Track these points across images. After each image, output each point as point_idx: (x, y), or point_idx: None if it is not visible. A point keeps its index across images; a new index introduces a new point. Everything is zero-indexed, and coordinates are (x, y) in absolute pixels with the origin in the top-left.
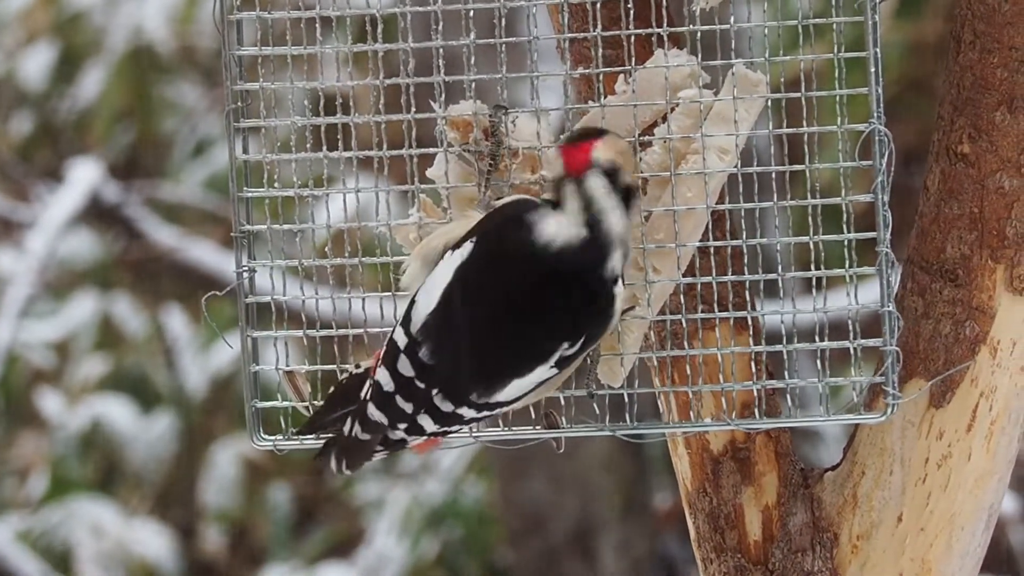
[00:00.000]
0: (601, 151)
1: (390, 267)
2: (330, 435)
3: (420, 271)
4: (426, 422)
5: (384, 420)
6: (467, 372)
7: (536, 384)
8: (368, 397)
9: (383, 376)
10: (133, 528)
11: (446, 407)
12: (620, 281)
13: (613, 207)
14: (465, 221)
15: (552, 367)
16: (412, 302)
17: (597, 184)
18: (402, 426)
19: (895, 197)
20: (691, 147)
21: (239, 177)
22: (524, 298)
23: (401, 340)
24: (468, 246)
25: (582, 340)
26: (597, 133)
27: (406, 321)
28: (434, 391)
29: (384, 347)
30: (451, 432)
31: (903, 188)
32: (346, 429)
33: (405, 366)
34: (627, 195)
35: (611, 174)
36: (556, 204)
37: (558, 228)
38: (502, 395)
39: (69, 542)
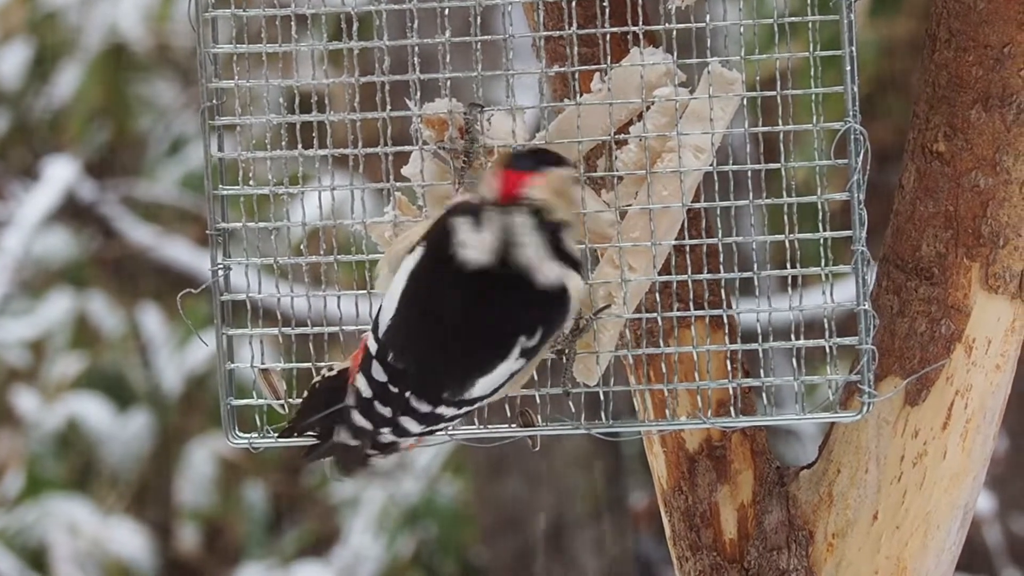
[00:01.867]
0: (536, 190)
1: (365, 265)
2: (314, 436)
3: (387, 277)
4: (409, 424)
5: (368, 425)
6: (434, 374)
7: (508, 376)
8: (352, 404)
9: (361, 382)
10: (109, 527)
11: (423, 408)
12: (575, 274)
13: (529, 242)
14: (424, 224)
15: (518, 359)
16: (380, 308)
17: (519, 220)
18: (386, 429)
19: (870, 196)
20: (667, 145)
21: (214, 175)
22: (470, 302)
23: (372, 346)
24: (418, 251)
25: (540, 331)
26: (538, 162)
27: (375, 327)
28: (408, 393)
29: (361, 352)
30: (437, 431)
31: (879, 186)
32: (336, 437)
33: (378, 371)
34: (556, 228)
35: (537, 213)
36: (479, 211)
37: (472, 250)
38: (475, 391)
39: (45, 541)
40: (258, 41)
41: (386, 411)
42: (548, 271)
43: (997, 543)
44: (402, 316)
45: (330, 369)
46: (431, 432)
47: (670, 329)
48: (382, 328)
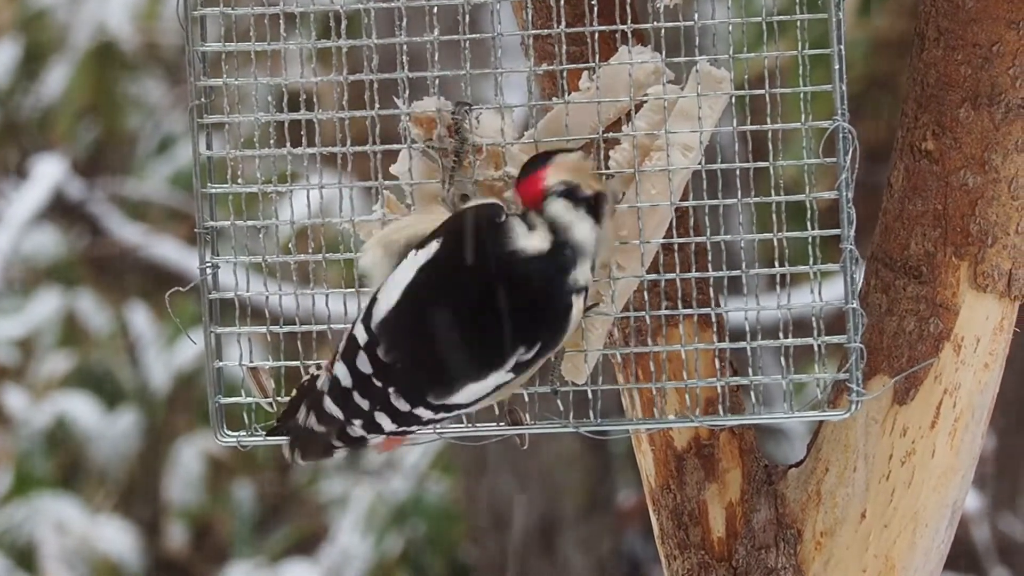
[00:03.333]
0: (551, 177)
1: (354, 264)
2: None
3: (382, 260)
4: (384, 420)
5: (340, 415)
6: (423, 373)
7: (494, 388)
8: (326, 389)
9: (341, 371)
10: (97, 525)
11: (403, 406)
12: (584, 292)
13: (579, 219)
14: (430, 217)
15: (508, 372)
16: (374, 299)
17: (557, 207)
18: (358, 422)
19: (859, 194)
20: (655, 144)
21: (203, 173)
22: (482, 303)
23: (361, 337)
24: (434, 246)
25: (538, 347)
26: (544, 159)
27: (367, 318)
28: (390, 389)
29: (343, 342)
30: (411, 432)
31: (867, 185)
32: (300, 418)
33: (364, 363)
34: (595, 203)
35: (568, 193)
36: (524, 219)
37: (527, 239)
38: (459, 397)
39: (33, 539)
40: (247, 39)
41: (364, 403)
42: (581, 271)
43: (985, 542)
44: (403, 311)
45: (318, 367)
46: (404, 433)
47: (658, 328)
48: (376, 319)
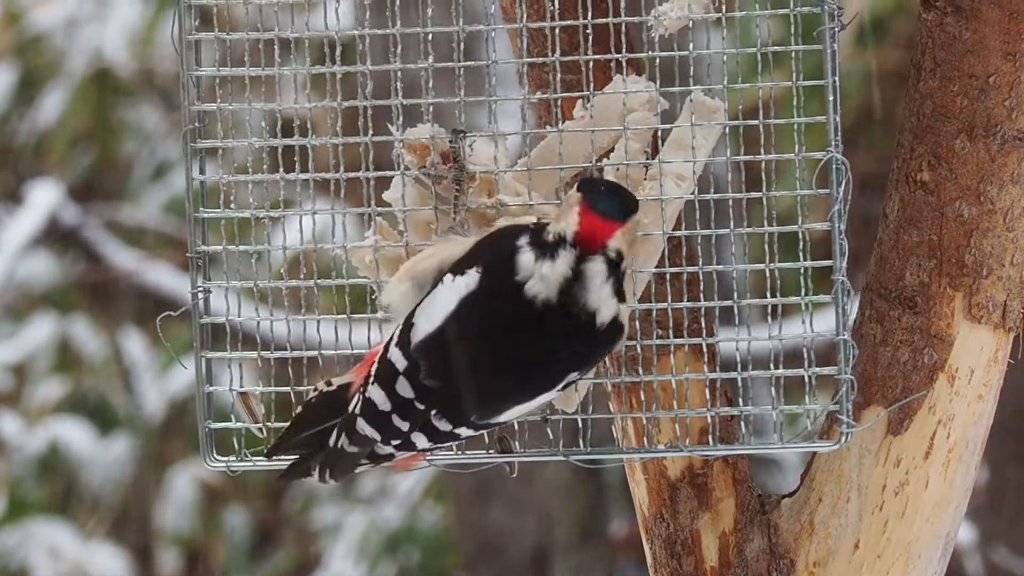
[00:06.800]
0: (618, 240)
1: (345, 290)
2: (296, 455)
3: (410, 291)
4: (420, 440)
5: (377, 436)
6: (472, 397)
7: (539, 406)
8: (359, 412)
9: (378, 395)
10: (90, 551)
11: (444, 427)
12: (623, 306)
13: (599, 288)
14: (455, 244)
15: (560, 390)
16: (410, 324)
17: (597, 270)
18: (395, 443)
19: (854, 225)
20: (648, 173)
21: (196, 198)
22: (532, 335)
23: (400, 362)
24: (474, 276)
25: (589, 367)
26: (621, 206)
27: (404, 343)
28: (433, 412)
29: (376, 365)
30: (441, 448)
31: (861, 216)
32: (332, 441)
33: (404, 388)
34: (622, 272)
35: (614, 262)
36: (548, 245)
37: (539, 281)
38: (504, 417)
39: (26, 564)
40: (241, 65)
41: (404, 425)
42: (607, 311)
43: (978, 574)
44: (446, 337)
45: (328, 384)
46: (435, 448)
47: (651, 357)
48: (416, 346)
